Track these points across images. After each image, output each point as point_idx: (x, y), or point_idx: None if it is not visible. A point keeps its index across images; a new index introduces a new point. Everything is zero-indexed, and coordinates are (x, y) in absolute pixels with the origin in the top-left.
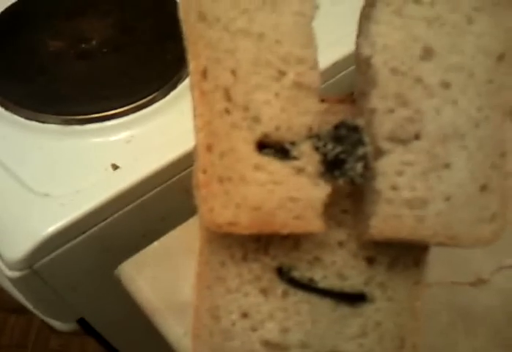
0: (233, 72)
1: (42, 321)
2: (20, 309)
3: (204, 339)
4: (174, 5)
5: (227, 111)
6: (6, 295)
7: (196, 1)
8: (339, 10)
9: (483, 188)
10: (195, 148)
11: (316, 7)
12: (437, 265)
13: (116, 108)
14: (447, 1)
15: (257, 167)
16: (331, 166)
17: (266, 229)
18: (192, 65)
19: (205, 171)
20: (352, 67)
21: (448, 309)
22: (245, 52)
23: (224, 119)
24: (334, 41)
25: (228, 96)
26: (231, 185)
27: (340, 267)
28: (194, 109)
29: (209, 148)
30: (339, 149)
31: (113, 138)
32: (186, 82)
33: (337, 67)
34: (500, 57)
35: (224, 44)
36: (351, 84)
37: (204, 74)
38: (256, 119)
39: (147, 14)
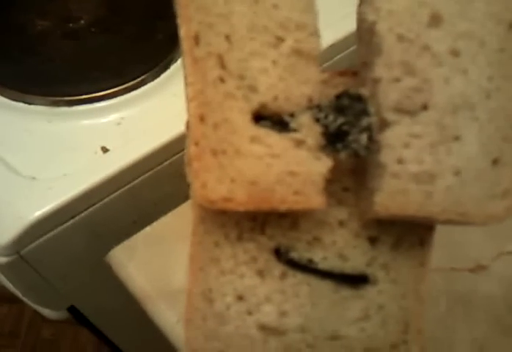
0: (227, 38)
1: (35, 310)
2: (12, 299)
3: (196, 324)
4: None
5: (221, 80)
6: None
7: None
8: None
9: (495, 161)
10: (187, 122)
11: None
12: (436, 250)
13: (105, 90)
14: None
15: (254, 139)
16: (333, 139)
17: (263, 206)
18: (183, 30)
19: (197, 144)
20: (350, 49)
21: (447, 295)
22: (240, 16)
23: (218, 88)
24: (331, 23)
25: (222, 63)
26: (226, 159)
27: (341, 247)
28: (186, 78)
29: (201, 119)
30: (341, 120)
31: (102, 120)
32: (178, 63)
33: (335, 48)
34: None
35: (218, 8)
36: (350, 66)
37: (196, 40)
38: (252, 89)
39: None
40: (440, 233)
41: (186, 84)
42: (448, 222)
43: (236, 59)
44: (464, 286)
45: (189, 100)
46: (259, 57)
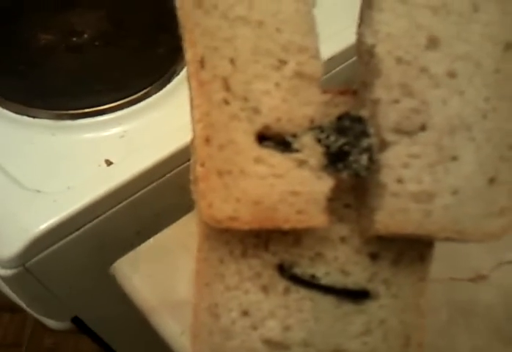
0: (232, 61)
1: (37, 320)
2: (15, 308)
3: (203, 339)
4: None
5: (226, 102)
6: None
7: None
8: (335, 3)
9: (492, 181)
10: (192, 142)
11: None
12: (436, 261)
13: (108, 103)
14: None
15: (258, 160)
16: (335, 159)
17: (267, 224)
18: (189, 54)
19: (203, 164)
20: (348, 62)
21: (448, 305)
22: (244, 40)
23: (223, 110)
24: (330, 35)
25: (227, 86)
26: (231, 179)
27: (343, 263)
28: (192, 100)
29: (207, 140)
30: (342, 141)
31: (106, 133)
32: (180, 76)
33: (333, 61)
34: (508, 46)
35: (222, 32)
36: (348, 79)
37: (201, 63)
38: (256, 110)
39: (139, 6)
40: (440, 244)
41: (192, 106)
42: (447, 239)
43: (240, 81)
44: (464, 295)
45: (195, 121)
46: (262, 80)
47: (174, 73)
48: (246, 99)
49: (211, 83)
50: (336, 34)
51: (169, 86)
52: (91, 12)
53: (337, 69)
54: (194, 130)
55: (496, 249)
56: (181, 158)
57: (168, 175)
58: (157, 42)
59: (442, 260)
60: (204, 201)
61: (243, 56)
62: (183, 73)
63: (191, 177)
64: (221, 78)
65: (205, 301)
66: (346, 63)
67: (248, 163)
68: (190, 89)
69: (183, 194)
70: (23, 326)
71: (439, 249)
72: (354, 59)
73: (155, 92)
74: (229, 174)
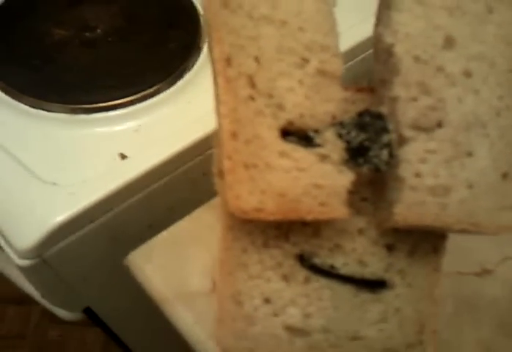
0: (257, 59)
1: (41, 312)
2: (19, 300)
3: (227, 325)
4: None
5: (251, 98)
6: (5, 285)
7: None
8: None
9: (505, 176)
10: (216, 136)
11: None
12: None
13: (122, 98)
14: None
15: (282, 154)
16: (355, 154)
17: (292, 216)
18: (216, 52)
19: (230, 158)
20: (361, 56)
21: (454, 298)
22: (268, 39)
23: (249, 106)
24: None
25: (252, 83)
26: (256, 172)
27: (361, 254)
28: (218, 96)
29: (234, 135)
30: (363, 136)
31: (120, 127)
32: (192, 72)
33: (347, 55)
34: None
35: (248, 31)
36: (357, 75)
37: (228, 61)
38: (280, 107)
39: (151, 2)
40: (447, 239)
41: (218, 102)
42: (461, 231)
43: (265, 78)
44: (470, 289)
45: (222, 117)
46: (286, 77)
47: (186, 69)
48: (270, 95)
49: (237, 81)
50: (347, 29)
51: (181, 82)
52: (104, 8)
53: (348, 64)
54: (219, 125)
55: (502, 244)
56: (194, 152)
57: (181, 169)
58: (169, 38)
59: (449, 254)
60: (231, 193)
61: (267, 55)
62: (195, 69)
63: (214, 170)
64: (246, 75)
65: (229, 289)
66: (355, 60)
67: (273, 157)
68: (216, 85)
69: (195, 188)
70: (28, 318)
71: (447, 245)
72: (363, 55)
73: (168, 88)
74: (255, 167)
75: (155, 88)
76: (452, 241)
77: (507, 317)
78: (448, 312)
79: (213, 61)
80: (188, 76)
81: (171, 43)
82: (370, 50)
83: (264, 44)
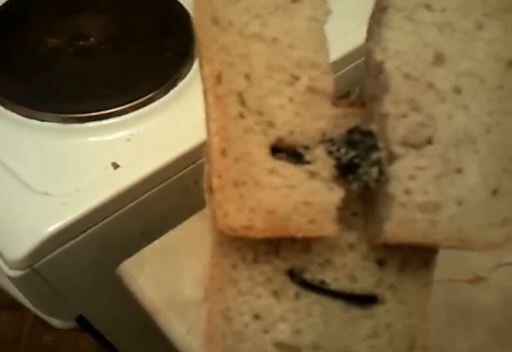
0: (247, 77)
1: (36, 317)
2: (13, 305)
3: (216, 341)
4: (173, 3)
5: (241, 116)
6: None
7: (209, 5)
8: (339, 7)
9: (495, 192)
10: (206, 152)
11: (328, 12)
12: (436, 263)
13: (115, 107)
14: (457, 7)
15: (272, 171)
16: (345, 171)
17: (281, 233)
18: (206, 70)
19: (219, 176)
20: (351, 65)
21: (447, 306)
22: (258, 56)
23: (239, 124)
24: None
25: (242, 100)
26: (246, 190)
27: (351, 269)
28: (208, 114)
29: (224, 152)
30: (352, 153)
31: (113, 136)
32: (186, 80)
33: (336, 65)
34: (510, 63)
35: (238, 48)
36: (347, 84)
37: (218, 78)
38: (270, 124)
39: (145, 11)
40: (438, 254)
41: (208, 120)
42: (452, 247)
43: (255, 96)
44: (463, 297)
45: (212, 134)
46: (276, 94)
47: (180, 77)
48: (260, 113)
49: (227, 98)
50: (337, 38)
51: (174, 90)
52: (97, 17)
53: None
54: (209, 142)
55: (494, 252)
56: (186, 160)
57: (173, 178)
58: (163, 46)
59: (442, 262)
60: (220, 210)
61: (257, 72)
62: (188, 77)
63: (205, 185)
64: (236, 92)
65: (218, 305)
66: (346, 68)
67: (262, 175)
68: (206, 103)
69: (187, 196)
70: (22, 324)
71: (439, 252)
72: (352, 65)
73: (161, 96)
74: (244, 185)
75: (148, 97)
76: (443, 249)
77: (501, 324)
78: (441, 319)
79: (203, 79)
80: (181, 84)
81: (164, 52)
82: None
83: (254, 61)
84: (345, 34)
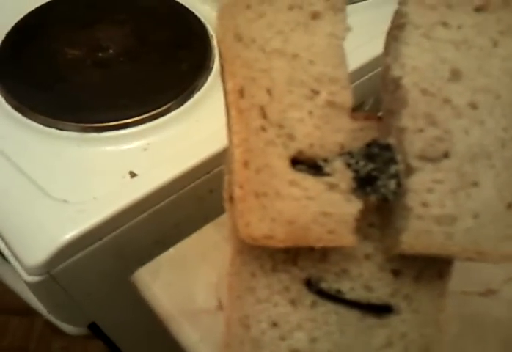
0: (268, 91)
1: (45, 323)
2: (23, 311)
3: (234, 348)
4: (189, 14)
5: (263, 129)
6: (8, 297)
7: (232, 22)
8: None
9: (510, 206)
10: (227, 164)
11: (348, 29)
12: None
13: (133, 117)
14: (473, 25)
15: (292, 183)
16: (363, 183)
17: (301, 243)
18: (229, 84)
19: (241, 187)
20: (365, 77)
21: (459, 318)
22: (280, 72)
23: (260, 136)
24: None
25: (264, 114)
26: (267, 200)
27: (367, 279)
28: (231, 127)
29: (245, 164)
30: (371, 166)
31: (130, 146)
32: (201, 92)
33: (356, 74)
34: None
35: (260, 63)
36: (363, 94)
37: (241, 93)
38: (290, 137)
39: (162, 23)
40: (453, 264)
41: (231, 132)
42: (467, 259)
43: (276, 110)
44: (475, 309)
45: (234, 146)
46: (296, 108)
47: (196, 89)
48: (281, 126)
49: (249, 112)
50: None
51: (190, 101)
52: (116, 29)
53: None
54: (231, 154)
55: (506, 265)
56: (202, 170)
57: (188, 187)
58: (179, 58)
59: (454, 274)
60: (242, 220)
61: (279, 87)
62: (204, 88)
63: (225, 195)
64: (258, 106)
65: (237, 313)
66: (359, 80)
67: (283, 186)
68: (228, 116)
69: (202, 205)
70: (31, 330)
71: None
72: (366, 77)
73: (177, 107)
74: (265, 195)
75: (165, 107)
76: (457, 261)
77: None
78: (453, 332)
79: (225, 93)
80: (197, 95)
81: (181, 63)
82: (378, 69)
83: (276, 76)
84: (358, 47)
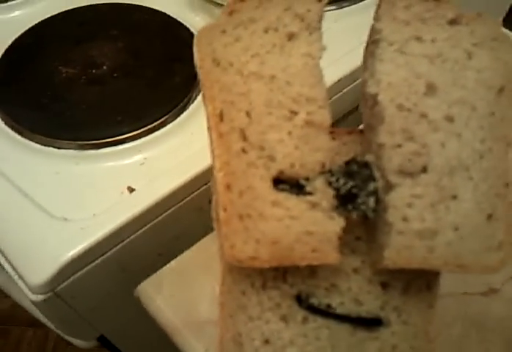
0: (248, 114)
1: (58, 335)
2: (37, 323)
3: None
4: (181, 28)
5: (244, 151)
6: (21, 309)
7: (209, 47)
8: (340, 28)
9: (489, 217)
10: (213, 183)
11: (323, 49)
12: (449, 276)
13: (129, 132)
14: (447, 38)
15: (275, 203)
16: (345, 200)
17: (285, 262)
18: (209, 109)
19: (225, 210)
20: (349, 87)
21: (461, 319)
22: (258, 94)
23: (241, 159)
24: (334, 60)
25: (244, 136)
26: (250, 222)
27: (356, 293)
28: (213, 150)
29: (228, 187)
30: (351, 183)
31: (127, 161)
32: (195, 103)
33: (334, 87)
34: (500, 90)
35: (238, 87)
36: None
37: (220, 117)
38: (271, 158)
39: (154, 37)
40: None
41: (213, 156)
42: (450, 272)
43: (256, 132)
44: (477, 309)
45: (216, 170)
46: (276, 129)
47: (190, 101)
48: (262, 148)
49: (230, 135)
50: (337, 60)
51: (185, 114)
52: (109, 45)
53: (335, 97)
54: (215, 176)
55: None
56: (199, 181)
57: (187, 198)
58: (172, 71)
59: (455, 276)
60: (226, 243)
61: (257, 109)
62: (198, 101)
63: (213, 215)
64: (238, 129)
65: (230, 331)
66: (342, 92)
67: (266, 207)
68: (210, 140)
69: (202, 215)
70: (46, 341)
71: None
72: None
73: (173, 120)
74: (249, 217)
75: (160, 121)
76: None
77: None
78: (456, 332)
79: (207, 117)
80: (191, 108)
81: (174, 77)
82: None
83: (254, 99)
84: (351, 51)
